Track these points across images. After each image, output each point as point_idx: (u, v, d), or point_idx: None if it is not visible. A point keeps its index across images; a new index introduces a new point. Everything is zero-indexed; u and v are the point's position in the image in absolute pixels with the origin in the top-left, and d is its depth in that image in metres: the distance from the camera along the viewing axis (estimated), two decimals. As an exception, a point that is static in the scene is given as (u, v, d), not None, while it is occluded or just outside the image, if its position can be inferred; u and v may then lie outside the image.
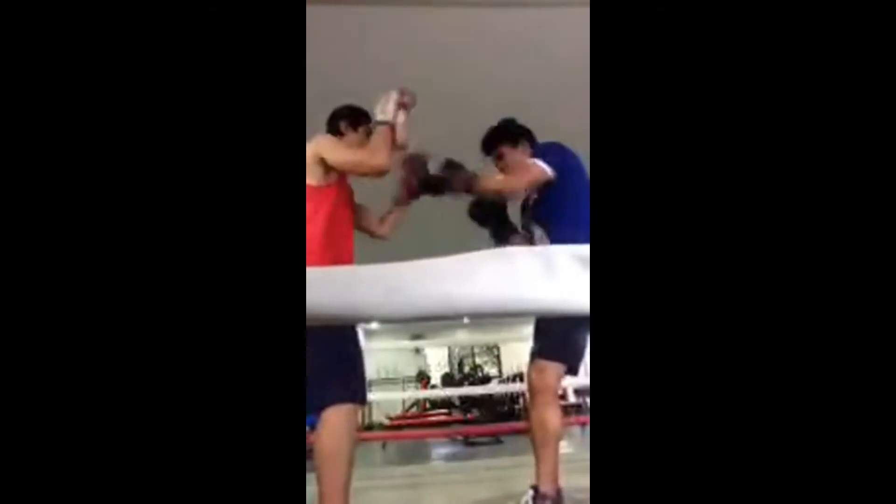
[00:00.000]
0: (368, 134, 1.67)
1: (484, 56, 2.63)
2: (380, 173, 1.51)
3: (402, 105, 1.58)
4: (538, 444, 1.61)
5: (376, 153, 1.50)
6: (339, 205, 1.56)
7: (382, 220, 1.80)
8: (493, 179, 1.71)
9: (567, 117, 2.06)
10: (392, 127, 1.55)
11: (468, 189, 1.66)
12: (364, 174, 1.53)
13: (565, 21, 2.30)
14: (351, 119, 1.67)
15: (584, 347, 1.70)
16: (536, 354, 1.66)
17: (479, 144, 1.84)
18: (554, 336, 1.64)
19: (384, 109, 1.57)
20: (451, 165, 1.65)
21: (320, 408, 1.37)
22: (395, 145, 1.57)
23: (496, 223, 1.85)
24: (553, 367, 1.63)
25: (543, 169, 1.66)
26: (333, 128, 1.66)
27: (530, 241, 1.80)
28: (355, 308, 0.80)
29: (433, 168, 1.64)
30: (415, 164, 1.64)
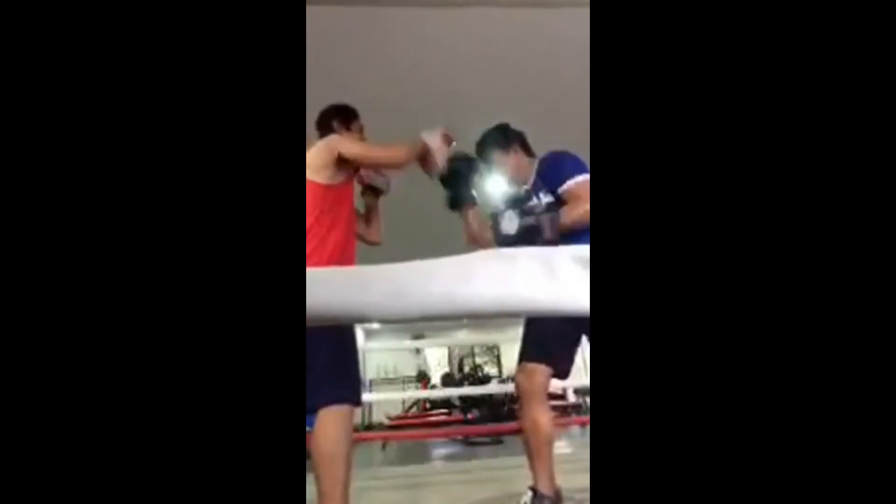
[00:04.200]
0: (361, 131, 1.71)
1: (484, 56, 2.63)
2: (395, 165, 1.63)
3: (446, 139, 1.62)
4: (532, 447, 1.61)
5: (400, 151, 1.59)
6: (345, 205, 1.58)
7: (367, 222, 1.81)
8: (579, 213, 1.58)
9: (567, 118, 2.06)
10: (426, 147, 1.59)
11: (559, 232, 1.60)
12: (379, 165, 1.63)
13: (565, 21, 2.30)
14: (342, 118, 1.68)
15: (572, 351, 1.70)
16: (523, 357, 1.67)
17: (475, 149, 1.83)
18: (539, 338, 1.64)
19: (430, 133, 1.62)
20: (531, 212, 1.62)
21: (316, 408, 1.37)
22: (429, 169, 1.64)
23: (459, 189, 1.79)
24: (540, 370, 1.63)
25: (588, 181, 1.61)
26: (326, 127, 1.67)
27: (477, 217, 1.80)
28: (357, 309, 0.80)
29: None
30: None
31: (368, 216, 1.82)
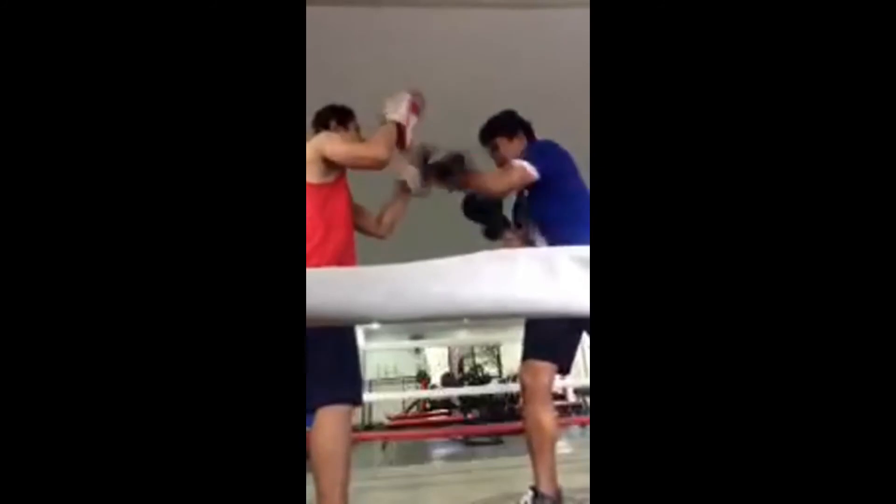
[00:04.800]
0: (358, 130, 1.69)
1: (485, 57, 2.63)
2: (379, 165, 1.51)
3: (414, 108, 1.58)
4: (535, 446, 1.61)
5: (377, 145, 1.52)
6: (340, 203, 1.57)
7: (379, 219, 1.78)
8: (475, 177, 1.69)
9: (568, 118, 2.06)
10: (401, 126, 1.56)
11: (460, 183, 1.68)
12: (363, 166, 1.53)
13: (566, 22, 2.30)
14: (339, 118, 1.67)
15: (574, 347, 1.70)
16: (528, 356, 1.67)
17: (478, 135, 1.85)
18: (544, 337, 1.64)
19: (396, 109, 1.57)
20: (456, 159, 1.66)
21: (315, 408, 1.37)
22: (404, 147, 1.59)
23: (489, 220, 1.84)
24: (545, 368, 1.63)
25: (527, 171, 1.65)
26: (323, 127, 1.65)
27: (524, 238, 1.81)
28: (358, 309, 0.80)
29: (439, 156, 1.66)
30: (420, 153, 1.66)
31: (386, 209, 1.77)
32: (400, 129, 1.57)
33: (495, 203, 1.82)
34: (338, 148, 1.52)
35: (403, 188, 1.75)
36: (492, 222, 1.84)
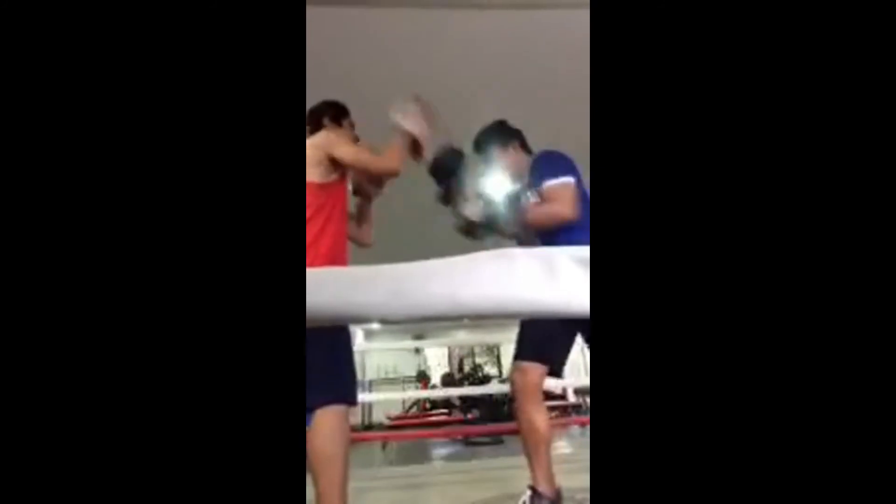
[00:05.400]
0: (352, 127, 1.69)
1: (485, 58, 2.63)
2: (392, 175, 1.55)
3: (429, 119, 1.57)
4: (530, 447, 1.61)
5: (394, 157, 1.53)
6: (340, 203, 1.57)
7: (359, 223, 1.79)
8: (542, 213, 1.62)
9: (567, 119, 2.06)
10: (414, 137, 1.55)
11: (522, 227, 1.63)
12: (377, 174, 1.55)
13: (566, 23, 2.30)
14: (333, 115, 1.67)
15: (566, 350, 1.70)
16: (518, 357, 1.67)
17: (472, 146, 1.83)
18: (536, 339, 1.64)
19: (407, 117, 1.56)
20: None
21: (312, 409, 1.37)
22: (418, 156, 1.59)
23: (450, 183, 1.75)
24: (535, 368, 1.63)
25: (573, 185, 1.61)
26: (316, 125, 1.65)
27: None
28: (357, 309, 0.80)
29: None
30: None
31: (360, 218, 1.80)
32: (416, 141, 1.56)
33: (459, 165, 1.73)
34: (349, 153, 1.52)
35: (363, 195, 1.76)
36: (450, 186, 1.74)
